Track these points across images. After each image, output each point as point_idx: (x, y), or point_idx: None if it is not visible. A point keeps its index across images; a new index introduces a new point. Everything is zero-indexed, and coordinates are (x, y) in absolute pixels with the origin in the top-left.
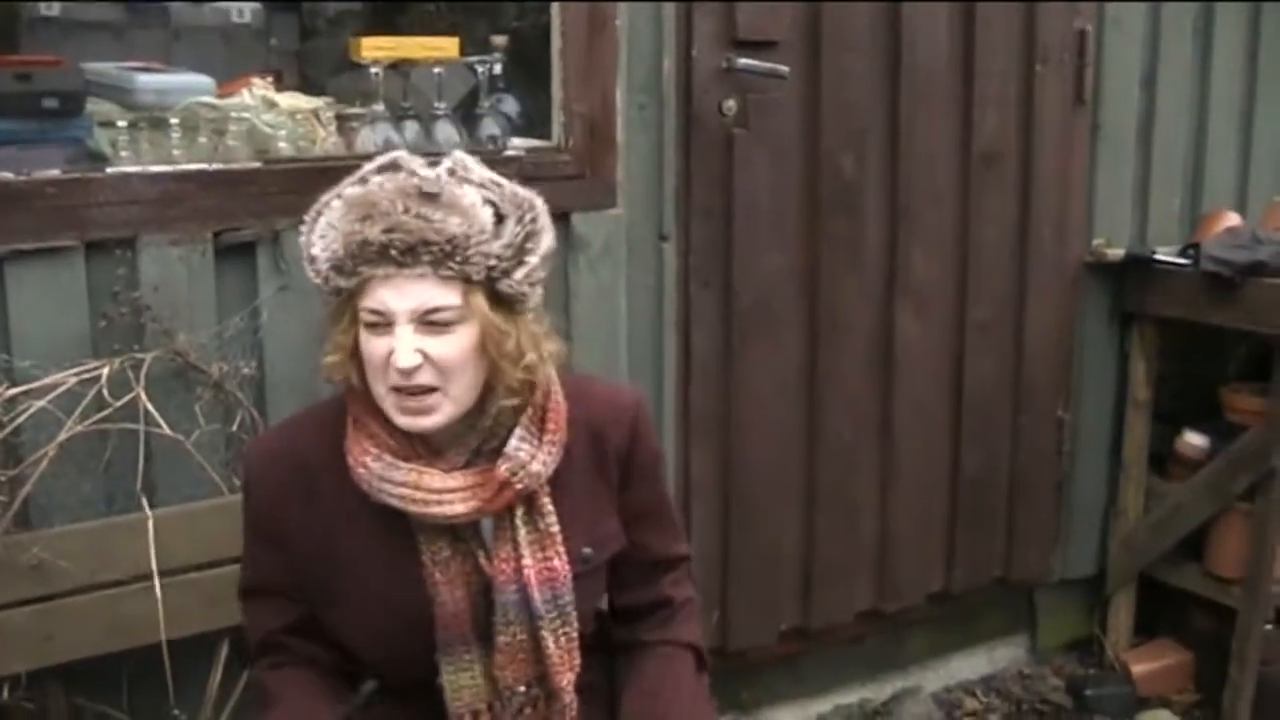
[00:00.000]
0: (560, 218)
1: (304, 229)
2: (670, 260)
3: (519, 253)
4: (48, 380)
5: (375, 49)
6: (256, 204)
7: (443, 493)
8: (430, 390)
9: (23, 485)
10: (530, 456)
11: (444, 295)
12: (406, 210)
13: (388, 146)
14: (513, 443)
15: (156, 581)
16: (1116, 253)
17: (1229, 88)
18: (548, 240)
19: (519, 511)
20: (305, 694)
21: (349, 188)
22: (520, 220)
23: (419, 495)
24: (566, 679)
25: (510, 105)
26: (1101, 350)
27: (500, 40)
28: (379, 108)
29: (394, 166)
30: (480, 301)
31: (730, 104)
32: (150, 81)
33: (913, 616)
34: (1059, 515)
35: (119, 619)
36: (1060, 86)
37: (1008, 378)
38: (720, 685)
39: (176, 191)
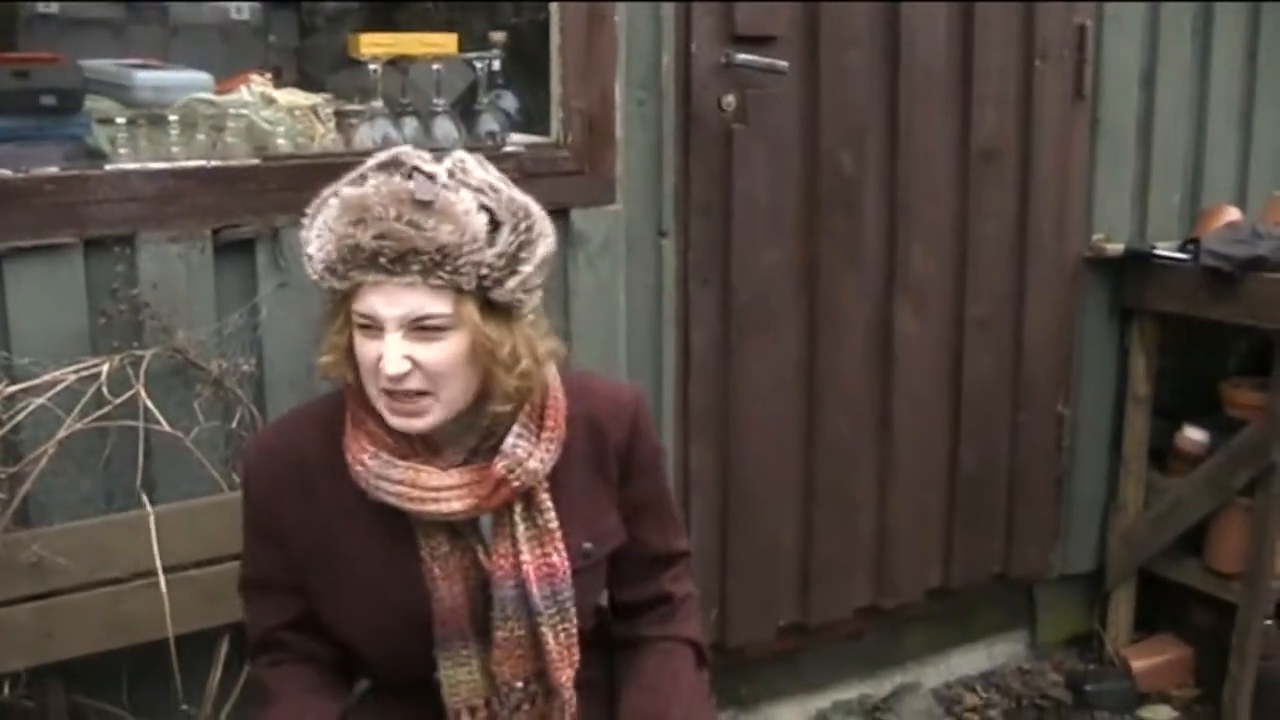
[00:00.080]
0: (559, 214)
1: (305, 224)
2: (669, 256)
3: (512, 262)
4: (47, 378)
5: (374, 45)
6: (255, 201)
7: (439, 490)
8: (421, 394)
9: (22, 483)
10: (528, 454)
11: (434, 303)
12: (398, 217)
13: (386, 143)
14: (510, 440)
15: (162, 578)
16: (1116, 248)
17: (1229, 83)
18: (544, 248)
19: (518, 508)
20: (304, 691)
21: (347, 187)
22: (515, 229)
23: (416, 493)
24: (566, 675)
25: (509, 101)
26: (1101, 346)
27: (499, 36)
28: (378, 104)
29: (395, 164)
30: (471, 311)
31: (729, 100)
32: (149, 78)
33: (912, 612)
34: (1059, 511)
35: (119, 616)
36: (1059, 82)
37: (1007, 373)
38: (719, 681)
39: (175, 188)
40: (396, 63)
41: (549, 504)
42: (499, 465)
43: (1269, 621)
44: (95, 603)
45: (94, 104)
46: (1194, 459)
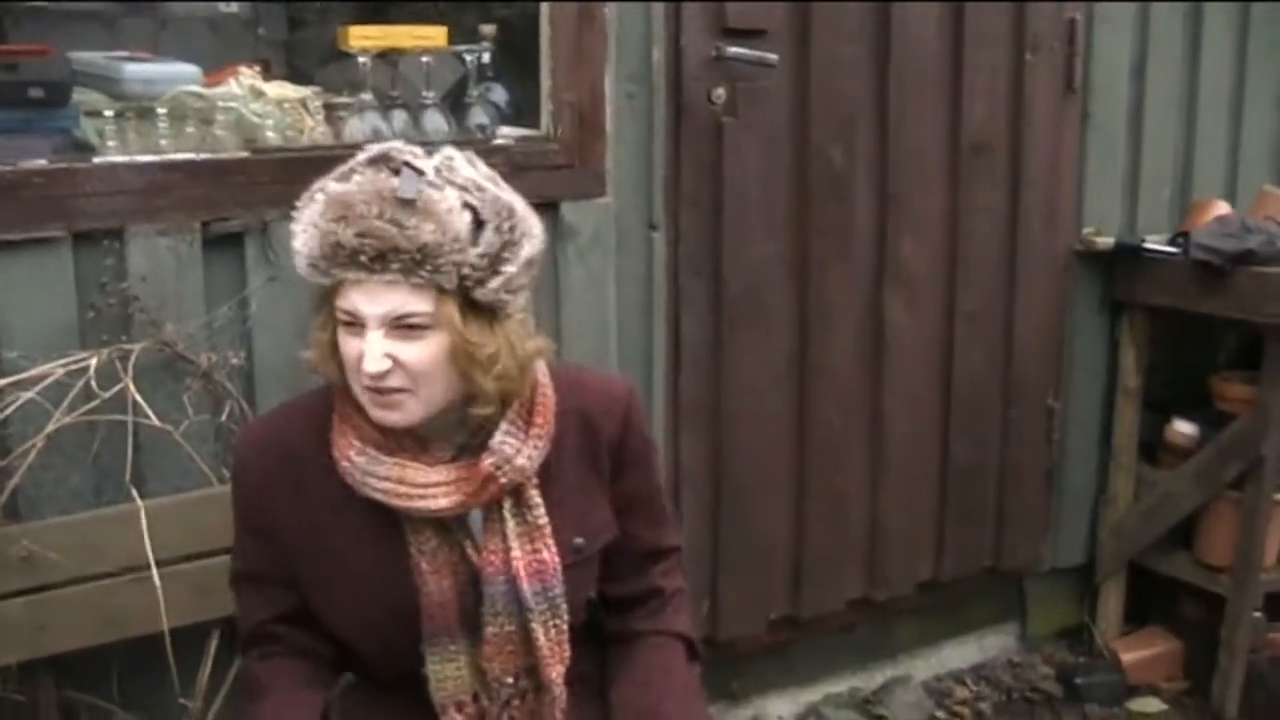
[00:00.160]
0: (549, 207)
1: (294, 217)
2: (660, 249)
3: (495, 262)
4: (35, 371)
5: (363, 38)
6: (244, 194)
7: (427, 487)
8: (401, 390)
9: (11, 477)
10: (515, 450)
11: (415, 302)
12: (380, 215)
13: (375, 136)
14: (498, 436)
15: (155, 572)
16: (1106, 241)
17: (1219, 76)
18: (529, 248)
19: (507, 504)
20: (295, 685)
21: (334, 182)
22: (499, 229)
23: (403, 489)
24: (557, 671)
25: (499, 94)
26: (1091, 339)
27: (488, 29)
28: (367, 97)
29: (384, 159)
30: (451, 311)
31: (720, 93)
32: (137, 71)
33: (903, 605)
34: (1049, 504)
35: (110, 610)
36: (1050, 75)
37: (998, 367)
38: (710, 675)
39: (164, 181)
40: (386, 56)
41: (538, 500)
42: (487, 462)
43: (1258, 614)
44: (86, 597)
45: (82, 96)
46: (1184, 452)
